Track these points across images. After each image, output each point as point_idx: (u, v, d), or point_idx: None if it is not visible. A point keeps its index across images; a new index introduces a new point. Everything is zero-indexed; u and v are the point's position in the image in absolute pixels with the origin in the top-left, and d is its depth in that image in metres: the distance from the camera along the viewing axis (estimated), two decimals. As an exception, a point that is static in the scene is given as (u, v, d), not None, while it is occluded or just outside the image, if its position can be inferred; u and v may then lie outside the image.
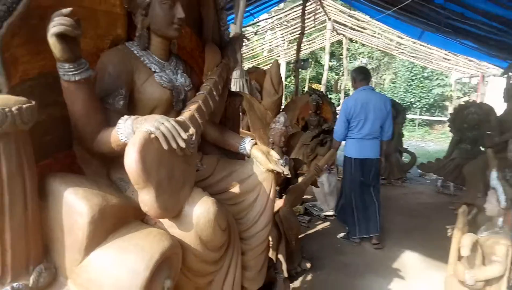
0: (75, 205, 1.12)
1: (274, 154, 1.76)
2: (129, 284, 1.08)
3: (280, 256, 2.92)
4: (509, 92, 4.50)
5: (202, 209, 1.29)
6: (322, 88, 10.29)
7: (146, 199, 1.15)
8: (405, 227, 4.24)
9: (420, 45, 8.68)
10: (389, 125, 3.70)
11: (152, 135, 1.15)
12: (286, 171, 1.75)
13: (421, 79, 14.81)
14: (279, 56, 12.07)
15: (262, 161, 1.70)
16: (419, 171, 6.62)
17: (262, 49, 12.70)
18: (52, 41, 1.08)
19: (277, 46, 12.25)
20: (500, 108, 5.00)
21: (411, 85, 14.95)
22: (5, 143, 1.02)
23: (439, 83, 14.35)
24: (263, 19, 10.41)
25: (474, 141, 5.35)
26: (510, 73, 5.28)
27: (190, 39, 1.92)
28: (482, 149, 5.18)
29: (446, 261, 2.36)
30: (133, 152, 1.09)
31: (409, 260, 3.43)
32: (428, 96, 14.67)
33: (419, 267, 3.30)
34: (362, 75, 3.80)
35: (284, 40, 11.72)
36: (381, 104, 3.64)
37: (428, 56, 9.62)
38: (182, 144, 1.20)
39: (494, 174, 2.23)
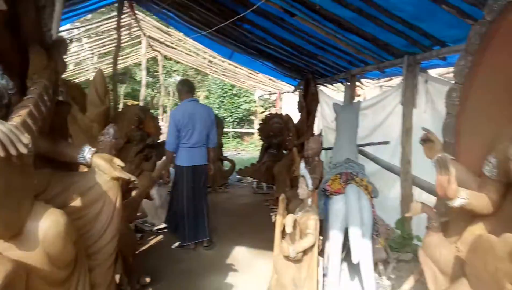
0: None
1: (118, 161, 1.73)
2: None
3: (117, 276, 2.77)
4: (301, 105, 5.61)
5: (49, 222, 1.16)
6: (140, 104, 10.11)
7: None
8: (232, 226, 4.66)
9: (230, 64, 9.72)
10: (214, 133, 4.05)
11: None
12: (133, 177, 1.74)
13: (231, 96, 16.49)
14: (87, 70, 11.19)
15: (106, 169, 1.64)
16: (238, 176, 7.37)
17: (68, 61, 11.45)
18: None
19: (85, 59, 11.31)
20: (295, 118, 6.15)
21: (223, 101, 16.44)
22: None
23: (245, 100, 16.31)
24: (66, 30, 9.44)
25: (279, 146, 6.37)
26: (299, 90, 6.58)
27: (2, 37, 1.66)
28: (285, 152, 6.22)
29: (270, 248, 2.79)
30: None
31: (239, 254, 3.81)
32: (238, 111, 16.45)
33: (248, 258, 3.70)
34: (187, 88, 4.03)
35: (93, 53, 10.94)
36: (206, 114, 3.95)
37: (236, 75, 10.85)
38: (24, 150, 1.07)
39: (302, 165, 2.78)
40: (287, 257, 2.53)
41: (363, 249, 2.56)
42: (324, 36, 4.03)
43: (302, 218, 2.57)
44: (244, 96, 16.37)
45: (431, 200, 3.53)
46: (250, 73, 9.99)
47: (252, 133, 16.28)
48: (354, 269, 2.95)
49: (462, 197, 1.53)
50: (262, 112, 16.01)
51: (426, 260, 1.78)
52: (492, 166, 1.58)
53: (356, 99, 5.45)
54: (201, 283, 3.15)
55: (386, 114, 4.27)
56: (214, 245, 4.00)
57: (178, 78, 17.81)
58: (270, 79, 10.04)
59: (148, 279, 3.10)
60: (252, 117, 17.14)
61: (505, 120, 1.61)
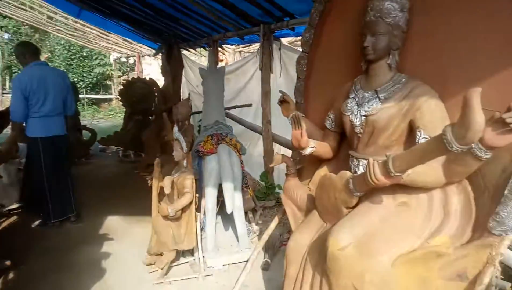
0: None
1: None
2: None
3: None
4: (165, 69, 5.55)
5: None
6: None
7: None
8: (102, 198, 4.47)
9: (76, 22, 8.66)
10: (71, 99, 3.72)
11: None
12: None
13: (81, 58, 14.73)
14: None
15: None
16: (100, 146, 6.91)
17: None
18: None
19: None
20: (159, 82, 6.05)
21: (71, 64, 14.58)
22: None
23: (99, 63, 14.82)
24: None
25: (144, 112, 6.20)
26: (161, 54, 6.42)
27: None
28: (151, 118, 6.10)
29: (146, 214, 2.85)
30: None
31: (114, 224, 3.74)
32: (91, 75, 14.88)
33: (124, 227, 3.68)
34: (32, 50, 3.54)
35: None
36: (60, 79, 3.58)
37: (86, 35, 9.75)
38: None
39: (176, 129, 2.88)
40: (166, 217, 2.66)
41: (235, 201, 2.89)
42: (184, 0, 4.05)
43: (179, 179, 2.72)
44: (96, 58, 14.86)
45: (288, 153, 4.13)
46: (102, 33, 9.13)
47: (110, 100, 15.11)
48: (227, 220, 3.29)
49: (311, 147, 1.92)
50: (119, 76, 14.91)
51: (287, 201, 2.17)
52: (331, 120, 2.01)
53: (220, 64, 5.69)
54: (72, 258, 3.02)
55: (247, 78, 4.64)
56: (83, 219, 3.81)
57: (7, 36, 14.92)
58: (126, 41, 9.41)
59: (8, 262, 2.84)
60: (108, 82, 15.82)
61: (339, 83, 2.04)
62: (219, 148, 2.94)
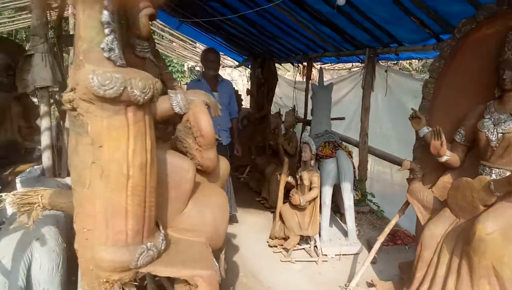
0: (183, 164, 1.24)
1: None
2: (222, 218, 1.36)
3: None
4: (259, 80, 6.16)
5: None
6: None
7: (213, 156, 1.41)
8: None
9: (163, 31, 9.66)
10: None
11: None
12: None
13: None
14: None
15: None
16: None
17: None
18: (144, 20, 1.14)
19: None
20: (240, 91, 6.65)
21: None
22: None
23: (171, 70, 16.07)
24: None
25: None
26: (244, 66, 7.04)
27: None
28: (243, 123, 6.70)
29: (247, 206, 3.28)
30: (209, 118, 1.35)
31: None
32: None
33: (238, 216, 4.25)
34: None
35: None
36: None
37: (173, 44, 10.78)
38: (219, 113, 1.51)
39: (306, 134, 3.42)
40: (295, 206, 3.20)
41: (349, 200, 3.37)
42: (292, 22, 4.61)
43: (307, 175, 3.24)
44: (169, 65, 16.09)
45: (383, 164, 4.55)
46: (190, 43, 10.06)
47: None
48: (333, 216, 3.77)
49: (447, 156, 2.36)
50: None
51: (413, 201, 2.61)
52: (461, 135, 2.44)
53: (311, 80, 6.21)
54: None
55: (341, 95, 5.13)
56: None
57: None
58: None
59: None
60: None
61: (468, 106, 2.47)
62: (338, 153, 3.44)
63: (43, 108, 3.09)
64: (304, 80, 6.24)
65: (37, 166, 3.30)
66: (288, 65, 8.35)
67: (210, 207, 1.40)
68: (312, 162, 3.31)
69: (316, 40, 4.99)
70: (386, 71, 4.13)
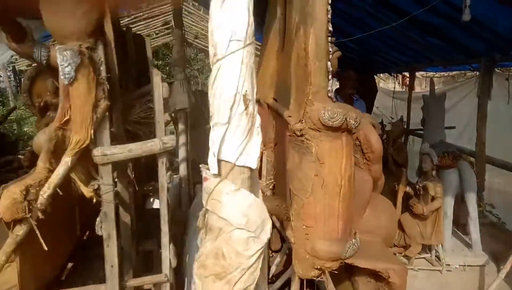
0: (364, 176, 1.54)
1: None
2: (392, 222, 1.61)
3: None
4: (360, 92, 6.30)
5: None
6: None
7: (379, 169, 1.68)
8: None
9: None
10: None
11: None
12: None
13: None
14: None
15: None
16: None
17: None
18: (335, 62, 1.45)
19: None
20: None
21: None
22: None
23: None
24: None
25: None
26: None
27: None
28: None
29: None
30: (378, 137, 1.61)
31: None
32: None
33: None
34: None
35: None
36: None
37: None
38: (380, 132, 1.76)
39: (426, 145, 3.53)
40: (416, 215, 3.31)
41: (474, 210, 3.37)
42: (398, 36, 4.70)
43: (430, 185, 3.33)
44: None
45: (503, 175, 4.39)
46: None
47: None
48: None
49: None
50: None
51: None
52: None
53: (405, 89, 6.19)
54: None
55: (452, 103, 5.06)
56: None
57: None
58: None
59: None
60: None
61: None
62: (461, 163, 3.47)
63: (180, 127, 3.69)
64: (404, 89, 6.24)
65: (175, 176, 3.91)
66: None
67: (383, 212, 1.66)
68: (434, 172, 3.39)
69: (421, 51, 5.01)
70: (507, 79, 4.02)
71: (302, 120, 1.38)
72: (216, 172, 0.95)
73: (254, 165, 0.95)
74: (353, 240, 1.46)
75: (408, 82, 6.38)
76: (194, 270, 0.98)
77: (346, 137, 1.39)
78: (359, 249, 1.51)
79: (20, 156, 6.86)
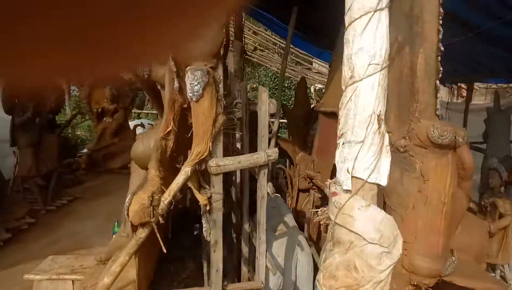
0: (458, 193, 1.54)
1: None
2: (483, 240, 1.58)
3: None
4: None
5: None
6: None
7: (468, 187, 1.65)
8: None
9: (297, 57, 10.29)
10: None
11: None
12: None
13: (284, 88, 17.12)
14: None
15: None
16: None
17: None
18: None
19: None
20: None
21: (275, 93, 17.09)
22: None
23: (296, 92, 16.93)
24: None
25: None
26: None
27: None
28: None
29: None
30: (470, 155, 1.58)
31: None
32: (289, 103, 17.10)
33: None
34: None
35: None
36: None
37: (308, 70, 11.45)
38: None
39: (495, 160, 3.42)
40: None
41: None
42: (460, 48, 4.57)
43: (499, 202, 3.22)
44: (294, 88, 16.93)
45: None
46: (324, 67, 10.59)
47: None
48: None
49: None
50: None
51: None
52: None
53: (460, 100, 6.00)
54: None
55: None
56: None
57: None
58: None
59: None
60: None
61: None
62: (533, 181, 3.33)
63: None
64: (459, 100, 6.05)
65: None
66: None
67: (476, 230, 1.64)
68: (502, 188, 3.27)
69: (483, 61, 4.86)
70: None
71: (406, 137, 1.40)
72: (349, 188, 0.99)
73: (384, 182, 0.99)
74: (453, 257, 1.46)
75: (464, 94, 6.18)
76: (320, 280, 1.03)
77: (452, 154, 1.40)
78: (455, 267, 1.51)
79: (77, 159, 7.27)
